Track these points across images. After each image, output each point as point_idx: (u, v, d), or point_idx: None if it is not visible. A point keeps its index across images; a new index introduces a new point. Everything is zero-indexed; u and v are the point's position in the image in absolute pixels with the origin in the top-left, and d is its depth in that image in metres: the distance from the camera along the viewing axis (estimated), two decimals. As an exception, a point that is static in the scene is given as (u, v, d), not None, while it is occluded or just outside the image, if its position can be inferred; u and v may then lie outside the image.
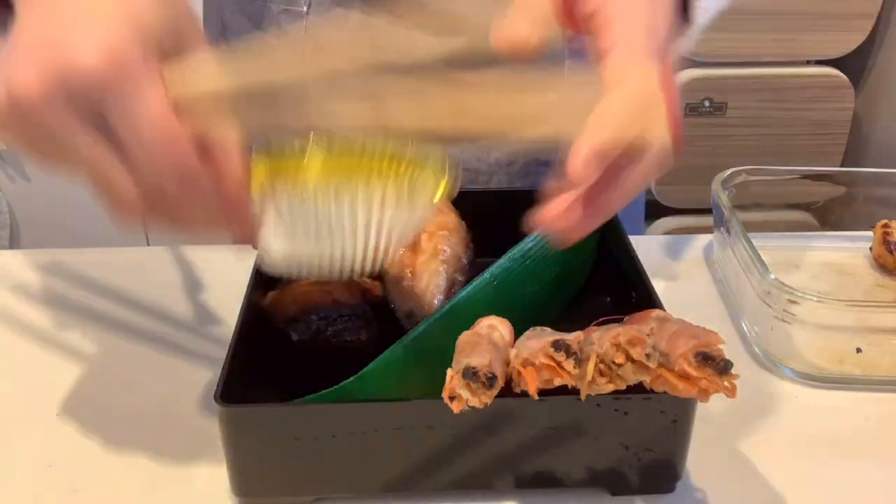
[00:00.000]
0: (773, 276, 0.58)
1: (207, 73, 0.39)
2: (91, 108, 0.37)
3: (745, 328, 0.64)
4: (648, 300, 0.51)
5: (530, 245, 0.56)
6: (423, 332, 0.50)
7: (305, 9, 0.69)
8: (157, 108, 0.37)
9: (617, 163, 0.39)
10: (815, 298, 0.57)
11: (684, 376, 0.40)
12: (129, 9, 0.37)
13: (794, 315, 0.58)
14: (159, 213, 0.40)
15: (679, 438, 0.47)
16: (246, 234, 0.43)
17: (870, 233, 0.72)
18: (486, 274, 0.54)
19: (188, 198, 0.39)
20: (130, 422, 0.54)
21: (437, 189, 0.45)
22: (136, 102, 0.36)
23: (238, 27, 0.73)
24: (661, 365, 0.41)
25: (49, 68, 0.36)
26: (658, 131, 0.38)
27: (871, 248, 0.72)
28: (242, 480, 0.47)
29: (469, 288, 0.53)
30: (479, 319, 0.49)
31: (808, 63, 1.61)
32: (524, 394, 0.43)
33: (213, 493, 0.49)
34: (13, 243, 1.71)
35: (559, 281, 0.59)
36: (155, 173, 0.38)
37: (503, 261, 0.55)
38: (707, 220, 0.73)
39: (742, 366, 0.60)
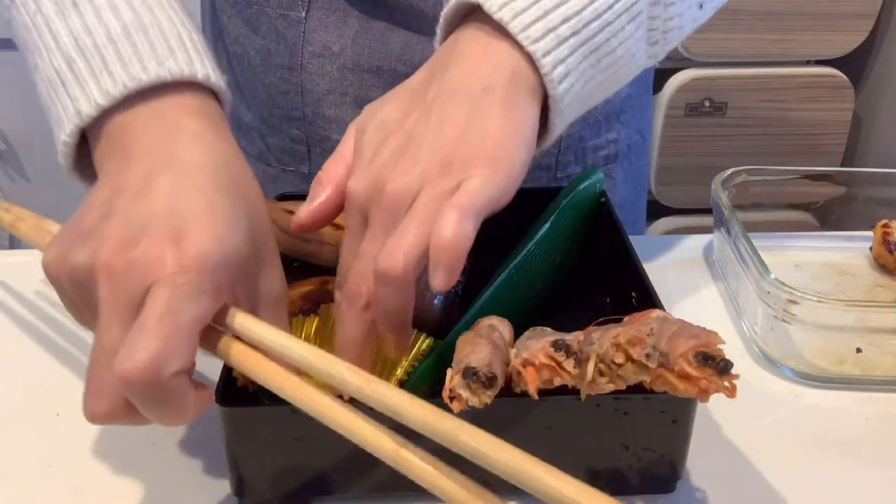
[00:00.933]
0: (773, 276, 0.58)
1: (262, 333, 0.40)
2: (144, 293, 0.37)
3: (745, 328, 0.64)
4: (648, 300, 0.51)
5: (537, 239, 0.56)
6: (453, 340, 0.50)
7: (303, 14, 0.68)
8: (190, 325, 0.37)
9: None
10: (815, 298, 0.57)
11: (684, 376, 0.40)
12: (222, 224, 0.39)
13: (794, 315, 0.58)
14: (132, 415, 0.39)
15: (679, 438, 0.47)
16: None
17: (870, 233, 0.72)
18: (504, 274, 0.54)
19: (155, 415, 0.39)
20: (130, 422, 0.55)
21: None
22: (183, 307, 0.37)
23: (236, 32, 0.73)
24: (661, 365, 0.41)
25: (139, 262, 0.37)
26: None
27: (871, 248, 0.72)
28: (242, 480, 0.47)
29: (489, 290, 0.53)
30: (479, 320, 0.49)
31: (808, 63, 1.61)
32: (524, 394, 0.43)
33: (213, 493, 0.49)
34: (13, 243, 1.70)
35: (559, 265, 0.59)
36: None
37: (519, 259, 0.55)
38: (707, 220, 0.73)
39: (742, 366, 0.60)
